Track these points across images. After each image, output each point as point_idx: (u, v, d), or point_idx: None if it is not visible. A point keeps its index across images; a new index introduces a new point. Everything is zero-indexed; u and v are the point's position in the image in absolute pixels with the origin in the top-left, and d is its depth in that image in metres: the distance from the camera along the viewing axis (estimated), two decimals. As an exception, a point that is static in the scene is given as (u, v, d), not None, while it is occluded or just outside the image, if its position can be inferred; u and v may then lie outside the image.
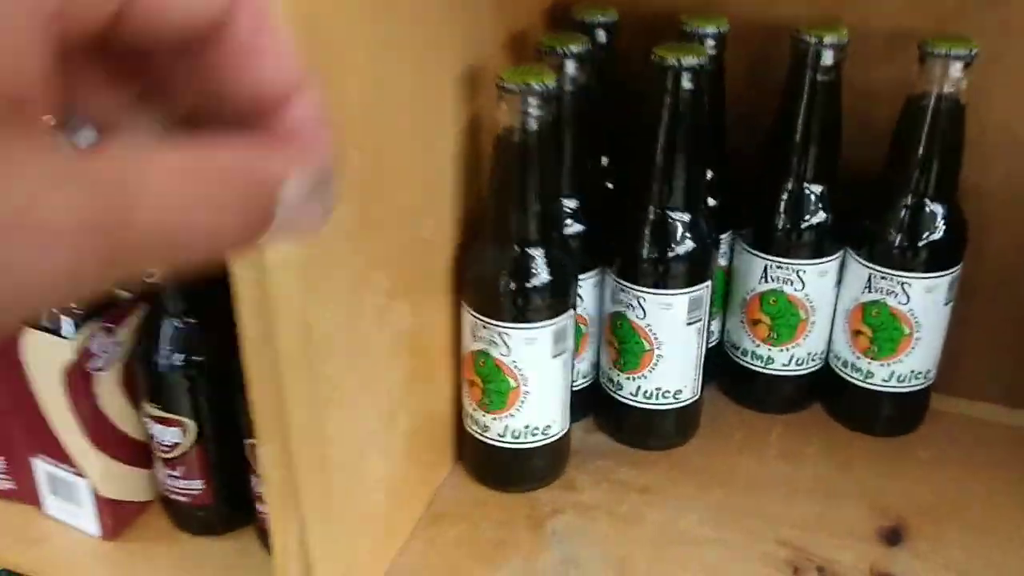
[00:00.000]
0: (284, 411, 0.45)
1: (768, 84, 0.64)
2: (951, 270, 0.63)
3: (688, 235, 0.60)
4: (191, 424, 0.61)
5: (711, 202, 0.65)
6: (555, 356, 0.59)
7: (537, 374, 0.59)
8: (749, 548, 0.59)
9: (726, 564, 0.58)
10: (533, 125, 0.53)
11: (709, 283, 0.62)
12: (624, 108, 0.66)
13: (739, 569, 0.58)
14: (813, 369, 0.69)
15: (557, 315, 0.58)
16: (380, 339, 0.52)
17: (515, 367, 0.58)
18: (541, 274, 0.57)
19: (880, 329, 0.65)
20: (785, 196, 0.64)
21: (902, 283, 0.63)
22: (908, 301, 0.63)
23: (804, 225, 0.64)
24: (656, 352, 0.63)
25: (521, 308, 0.57)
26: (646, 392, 0.65)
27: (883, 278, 0.63)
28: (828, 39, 0.59)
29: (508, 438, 0.61)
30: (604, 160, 0.68)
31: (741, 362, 0.70)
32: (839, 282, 0.66)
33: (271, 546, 0.53)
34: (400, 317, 0.53)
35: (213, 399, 0.60)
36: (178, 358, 0.59)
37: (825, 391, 0.71)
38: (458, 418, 0.64)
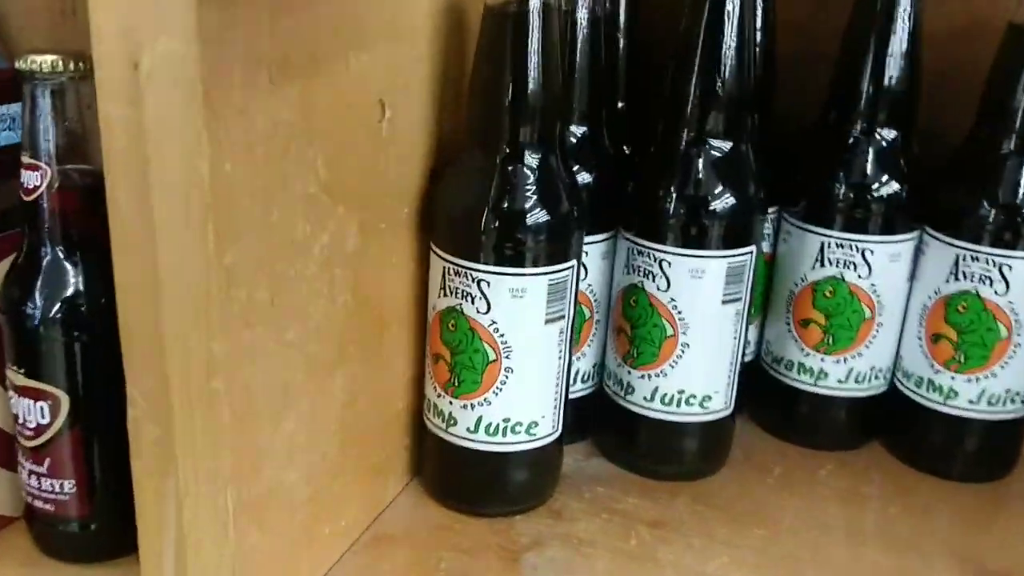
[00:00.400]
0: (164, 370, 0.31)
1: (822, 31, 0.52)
2: (1064, 251, 0.49)
3: (728, 179, 0.47)
4: (64, 398, 0.45)
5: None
6: (549, 321, 0.44)
7: (524, 343, 0.44)
8: (804, 601, 0.43)
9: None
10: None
11: (753, 250, 0.48)
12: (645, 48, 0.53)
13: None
14: (876, 391, 0.54)
15: (556, 263, 0.43)
16: (308, 267, 0.37)
17: (495, 331, 0.43)
18: (538, 202, 0.43)
19: (968, 330, 0.50)
20: (851, 150, 0.51)
21: (1000, 265, 0.48)
22: (1007, 290, 0.49)
23: (875, 187, 0.50)
24: (681, 338, 0.48)
25: (509, 246, 0.43)
26: (665, 396, 0.49)
27: (974, 259, 0.49)
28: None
29: (480, 435, 0.45)
30: (619, 104, 0.54)
31: (784, 379, 0.55)
32: (912, 276, 0.52)
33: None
34: (341, 238, 0.39)
35: (97, 367, 0.45)
36: (56, 309, 0.44)
37: (889, 424, 0.55)
38: (418, 416, 0.49)
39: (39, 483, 0.46)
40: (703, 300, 0.47)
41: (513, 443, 0.46)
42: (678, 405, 0.49)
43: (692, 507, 0.50)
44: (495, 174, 0.42)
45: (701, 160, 0.47)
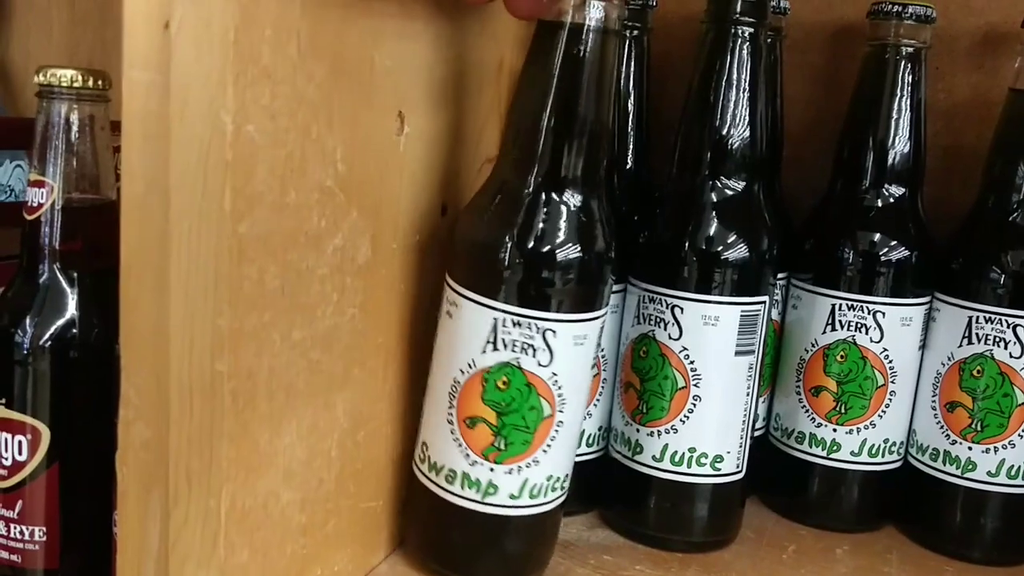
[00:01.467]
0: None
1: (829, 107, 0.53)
2: (1079, 313, 0.48)
3: (744, 221, 0.46)
4: (45, 432, 0.43)
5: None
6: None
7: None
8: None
9: None
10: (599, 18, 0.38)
11: (766, 300, 0.47)
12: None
13: None
14: (890, 466, 0.52)
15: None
16: (320, 266, 0.36)
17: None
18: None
19: (984, 396, 0.49)
20: (861, 214, 0.51)
21: (1014, 326, 0.48)
22: (1022, 354, 0.48)
23: (886, 247, 0.50)
24: (693, 391, 0.46)
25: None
26: (675, 455, 0.47)
27: (988, 320, 0.48)
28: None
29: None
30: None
31: (794, 452, 0.53)
32: (924, 344, 0.51)
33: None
34: (354, 246, 0.37)
35: (84, 401, 0.42)
36: (49, 335, 0.42)
37: (904, 505, 0.53)
38: (404, 469, 0.46)
39: (7, 529, 0.43)
40: (717, 349, 0.46)
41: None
42: (689, 465, 0.47)
43: (704, 576, 0.46)
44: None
45: (717, 202, 0.46)
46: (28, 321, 0.42)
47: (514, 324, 0.40)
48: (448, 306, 0.41)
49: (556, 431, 0.41)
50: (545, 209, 0.39)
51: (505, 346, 0.39)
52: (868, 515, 0.53)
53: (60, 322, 0.42)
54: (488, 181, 0.42)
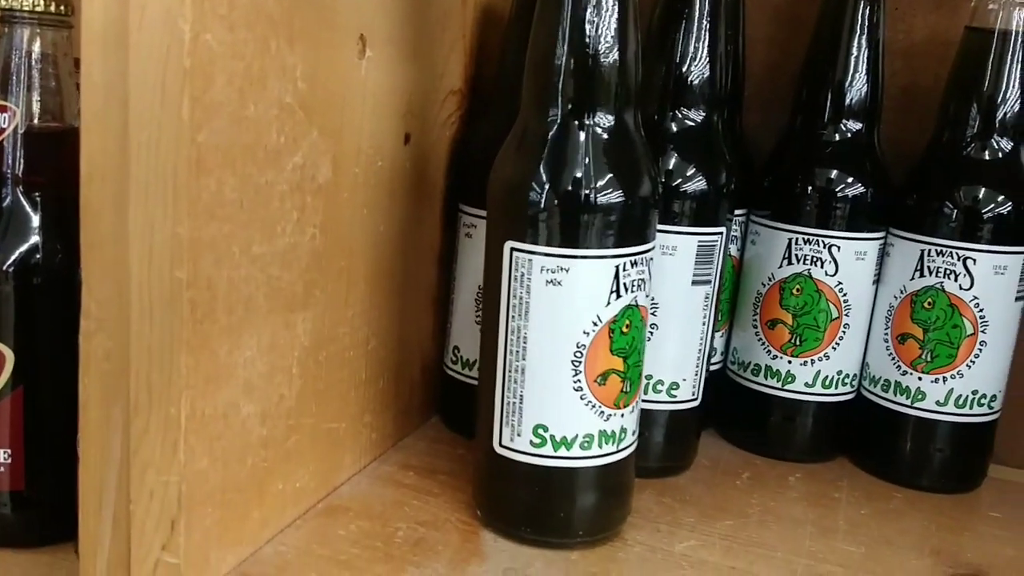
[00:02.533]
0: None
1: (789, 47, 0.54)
2: (1026, 248, 0.49)
3: (701, 152, 0.47)
4: (9, 355, 0.43)
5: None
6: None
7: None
8: (777, 578, 0.41)
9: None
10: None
11: (723, 232, 0.48)
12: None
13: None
14: (843, 398, 0.53)
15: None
16: (279, 182, 0.36)
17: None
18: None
19: (934, 327, 0.50)
20: (818, 150, 0.52)
21: (964, 259, 0.49)
22: (972, 285, 0.49)
23: (842, 184, 0.51)
24: (650, 319, 0.47)
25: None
26: (633, 382, 0.48)
27: (940, 253, 0.50)
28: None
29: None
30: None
31: (750, 385, 0.54)
32: (878, 279, 0.53)
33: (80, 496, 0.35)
34: (314, 166, 0.38)
35: (49, 324, 0.43)
36: (13, 259, 0.42)
37: (857, 437, 0.54)
38: (383, 396, 0.47)
39: (-29, 451, 0.43)
40: (674, 278, 0.47)
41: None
42: (645, 392, 0.48)
43: (658, 499, 0.48)
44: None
45: (675, 135, 0.47)
46: (-12, 241, 0.42)
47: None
48: (549, 275, 0.39)
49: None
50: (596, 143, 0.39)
51: (627, 290, 0.40)
52: (821, 446, 0.54)
53: (23, 247, 0.43)
54: (516, 128, 0.41)
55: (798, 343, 0.52)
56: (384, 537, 0.41)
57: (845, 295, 0.51)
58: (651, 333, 0.47)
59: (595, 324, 0.39)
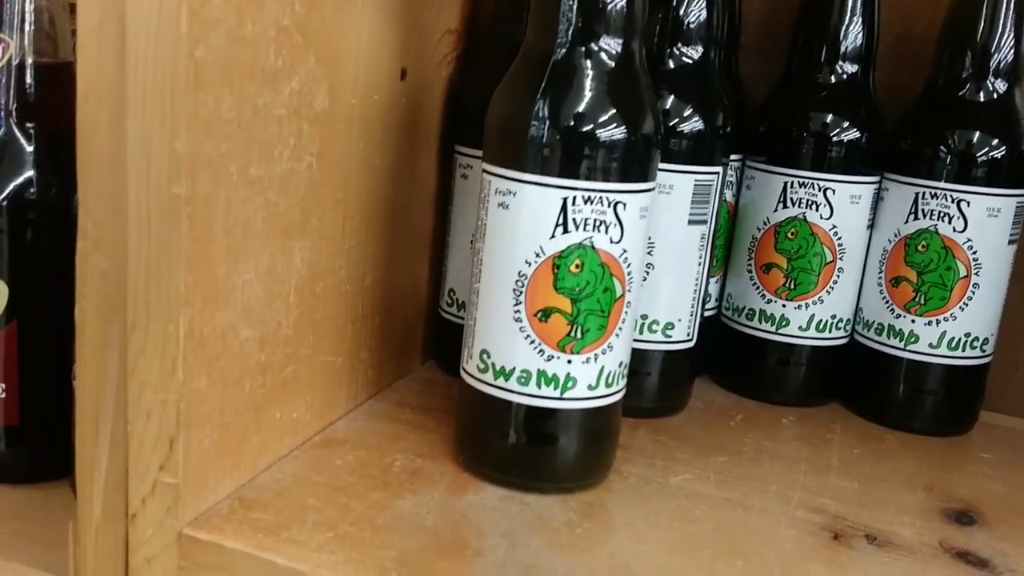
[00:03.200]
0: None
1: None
2: (1019, 189, 0.49)
3: (699, 90, 0.47)
4: (3, 289, 0.43)
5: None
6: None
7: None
8: (770, 510, 0.42)
9: (739, 523, 0.40)
10: None
11: (719, 172, 0.48)
12: None
13: (760, 529, 0.40)
14: (837, 342, 0.54)
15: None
16: (276, 106, 0.36)
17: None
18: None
19: (928, 270, 0.50)
20: (814, 94, 0.52)
21: (958, 201, 0.49)
22: (965, 228, 0.49)
23: (838, 127, 0.51)
24: (647, 259, 0.48)
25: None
26: (628, 322, 0.48)
27: (934, 196, 0.50)
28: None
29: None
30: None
31: (745, 329, 0.55)
32: (872, 224, 0.53)
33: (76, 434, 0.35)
34: (311, 92, 0.38)
35: (44, 258, 0.43)
36: (7, 192, 0.42)
37: (850, 382, 0.55)
38: (379, 336, 0.47)
39: (-35, 384, 0.43)
40: (669, 217, 0.47)
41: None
42: (640, 332, 0.48)
43: (653, 437, 0.48)
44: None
45: (671, 67, 0.47)
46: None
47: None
48: (501, 197, 0.38)
49: (626, 312, 0.40)
50: (594, 75, 0.38)
51: (577, 227, 0.38)
52: (814, 390, 0.55)
53: (18, 180, 0.43)
54: (521, 59, 0.39)
55: (792, 287, 0.53)
56: (381, 467, 0.41)
57: (840, 239, 0.52)
58: (647, 273, 0.48)
59: (537, 256, 0.38)
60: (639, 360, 0.49)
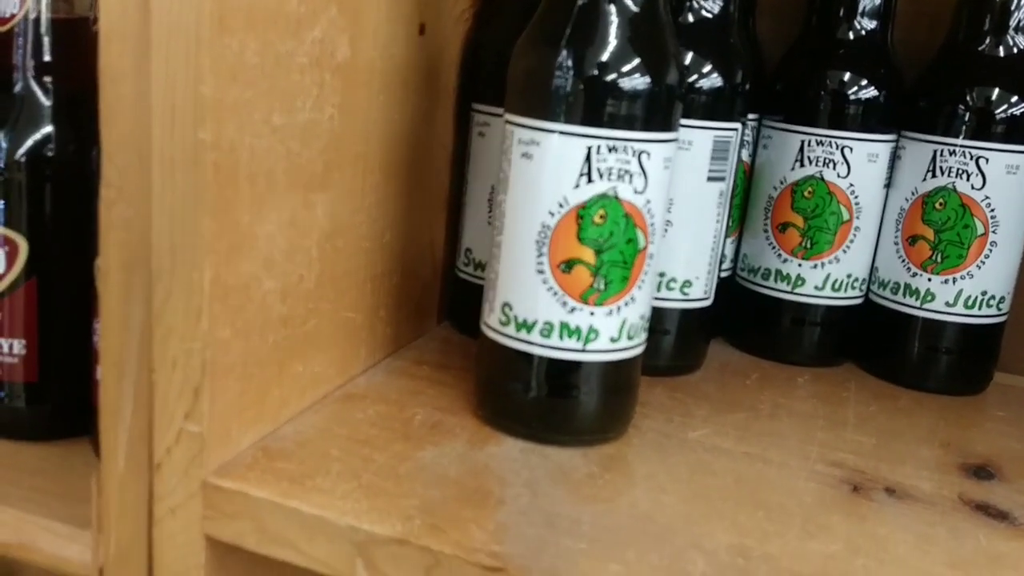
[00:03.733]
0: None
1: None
2: (1041, 147, 0.49)
3: (718, 45, 0.47)
4: (23, 245, 0.43)
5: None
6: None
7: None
8: (789, 464, 0.42)
9: (759, 475, 0.40)
10: None
11: (738, 128, 0.48)
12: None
13: (780, 482, 0.40)
14: (852, 302, 0.54)
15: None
16: (298, 54, 0.36)
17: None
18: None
19: (945, 227, 0.50)
20: (832, 52, 0.51)
21: (976, 158, 0.49)
22: (984, 184, 0.49)
23: (856, 85, 0.51)
24: (666, 216, 0.47)
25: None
26: (645, 280, 0.48)
27: (952, 153, 0.50)
28: None
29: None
30: None
31: (760, 289, 0.54)
32: (889, 183, 0.53)
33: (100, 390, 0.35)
34: (332, 42, 0.38)
35: (63, 214, 0.43)
36: (26, 148, 0.42)
37: (865, 343, 0.55)
38: (396, 294, 0.47)
39: (-14, 341, 0.44)
40: (689, 173, 0.47)
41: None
42: (659, 289, 0.48)
43: (671, 394, 0.48)
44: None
45: (690, 29, 0.47)
46: (4, 134, 0.42)
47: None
48: (524, 147, 0.38)
49: (648, 265, 0.40)
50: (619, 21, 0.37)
51: (601, 176, 0.38)
52: (829, 350, 0.55)
53: (36, 136, 0.43)
54: (545, 8, 0.39)
55: (809, 246, 0.53)
56: (402, 420, 0.41)
57: (856, 197, 0.52)
58: (666, 229, 0.48)
59: (561, 206, 0.38)
60: (656, 318, 0.49)
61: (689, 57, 0.46)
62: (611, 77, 0.37)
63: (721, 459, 0.41)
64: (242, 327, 0.35)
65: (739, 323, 0.56)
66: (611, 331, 0.39)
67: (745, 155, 0.54)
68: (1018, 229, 0.50)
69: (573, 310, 0.39)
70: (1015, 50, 0.49)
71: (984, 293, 0.51)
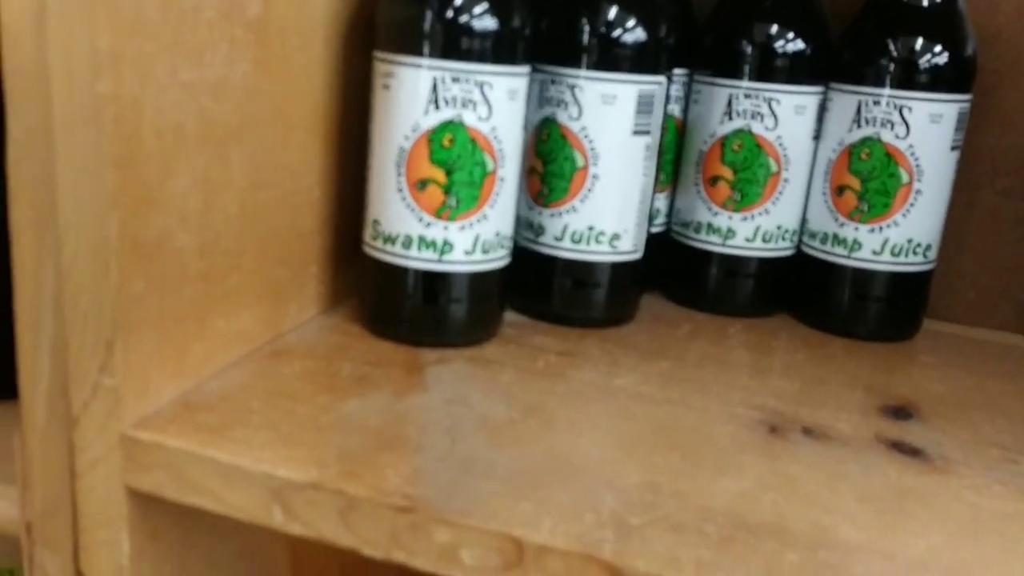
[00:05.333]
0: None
1: None
2: (961, 95, 0.50)
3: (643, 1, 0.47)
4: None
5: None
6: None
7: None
8: (710, 409, 0.43)
9: (678, 419, 0.41)
10: None
11: (663, 81, 0.48)
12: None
13: (698, 425, 0.41)
14: (782, 253, 0.55)
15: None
16: (206, 9, 0.36)
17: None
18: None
19: (872, 177, 0.51)
20: (758, 3, 0.52)
21: (900, 108, 0.50)
22: (907, 134, 0.50)
23: (782, 38, 0.51)
24: (591, 170, 0.48)
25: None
26: (575, 234, 0.49)
27: (875, 103, 0.50)
28: None
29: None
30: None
31: (692, 243, 0.55)
32: (817, 135, 0.53)
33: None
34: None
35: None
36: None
37: (796, 292, 0.56)
38: (330, 250, 0.48)
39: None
40: (614, 129, 0.47)
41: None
42: (587, 243, 0.49)
43: (601, 345, 0.49)
44: None
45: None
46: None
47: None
48: (384, 79, 0.43)
49: (499, 186, 0.45)
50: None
51: (447, 103, 0.42)
52: (761, 300, 0.56)
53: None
54: None
55: (739, 198, 0.53)
56: (329, 374, 0.42)
57: (784, 149, 0.52)
58: (592, 184, 0.48)
59: (414, 131, 0.43)
60: (587, 271, 0.50)
61: (613, 11, 0.47)
62: (450, 14, 0.41)
63: (643, 405, 0.42)
64: (156, 280, 0.36)
65: (672, 276, 0.57)
66: (465, 245, 0.44)
67: (678, 111, 0.54)
68: (943, 178, 0.51)
69: (429, 225, 0.44)
70: (938, 0, 0.50)
71: (910, 241, 0.52)
